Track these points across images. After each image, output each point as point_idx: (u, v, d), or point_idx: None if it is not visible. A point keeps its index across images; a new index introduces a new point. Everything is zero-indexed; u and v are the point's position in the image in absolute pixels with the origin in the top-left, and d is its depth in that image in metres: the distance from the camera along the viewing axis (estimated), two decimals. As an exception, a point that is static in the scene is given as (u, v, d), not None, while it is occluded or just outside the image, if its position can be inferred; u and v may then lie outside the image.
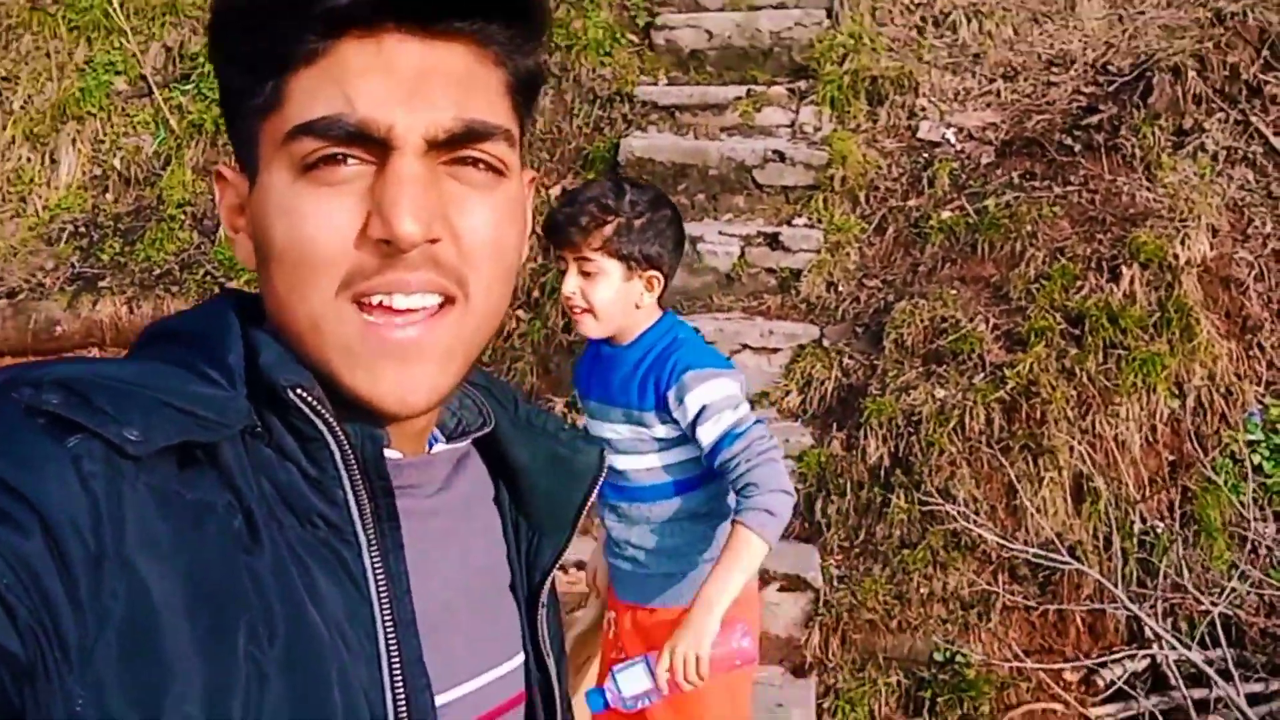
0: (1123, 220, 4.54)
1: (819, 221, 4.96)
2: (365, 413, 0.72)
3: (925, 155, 5.10)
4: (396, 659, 0.69)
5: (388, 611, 0.70)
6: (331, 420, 0.69)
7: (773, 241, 4.90)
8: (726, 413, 2.13)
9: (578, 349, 4.87)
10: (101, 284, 5.51)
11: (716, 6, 5.89)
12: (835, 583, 3.86)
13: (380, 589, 0.70)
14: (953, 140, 5.14)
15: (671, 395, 2.15)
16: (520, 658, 0.84)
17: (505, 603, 0.84)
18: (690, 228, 4.98)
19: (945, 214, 4.81)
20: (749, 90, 5.51)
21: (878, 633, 3.77)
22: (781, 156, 5.14)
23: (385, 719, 0.68)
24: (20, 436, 0.60)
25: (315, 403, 0.69)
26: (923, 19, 5.75)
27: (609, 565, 2.39)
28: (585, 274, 2.15)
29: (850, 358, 4.44)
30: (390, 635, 0.69)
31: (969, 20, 5.64)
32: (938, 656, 3.71)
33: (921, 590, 3.79)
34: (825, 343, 4.55)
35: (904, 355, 4.32)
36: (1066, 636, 3.76)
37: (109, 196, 5.89)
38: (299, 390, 0.69)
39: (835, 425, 4.25)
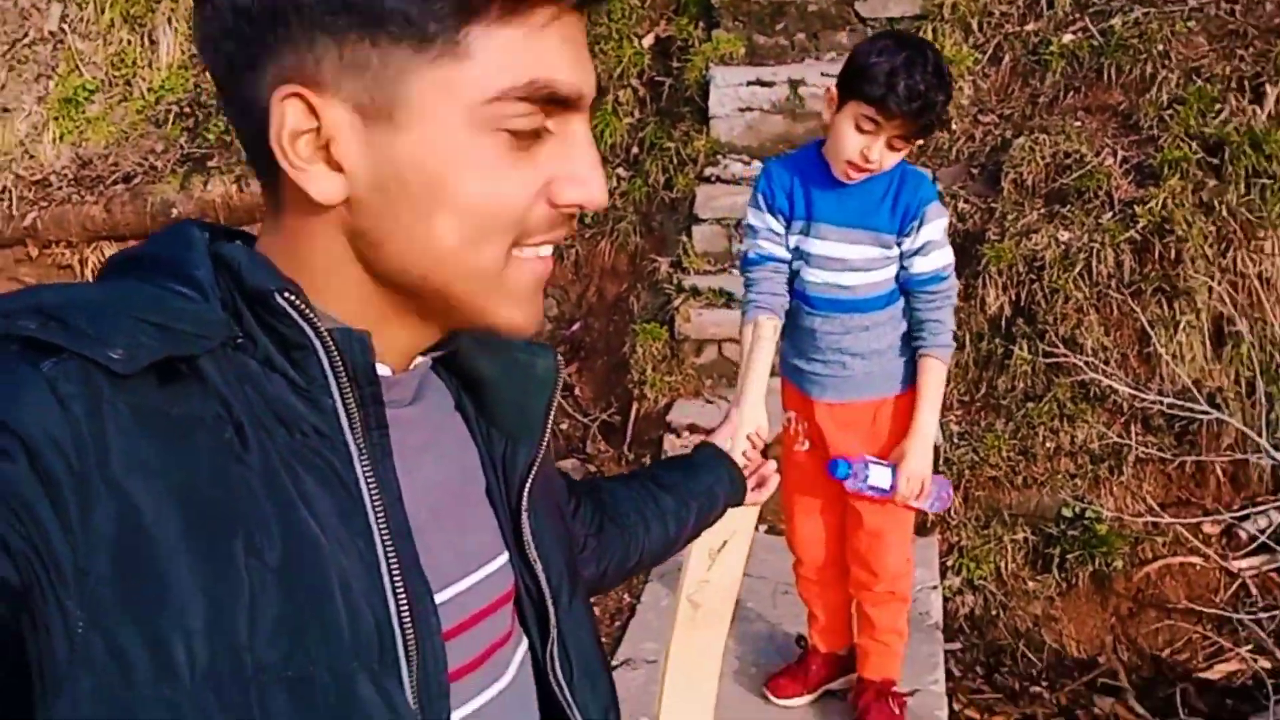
0: (1266, 33, 4.14)
1: (929, 54, 4.64)
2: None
3: (1044, -27, 4.70)
4: (395, 564, 0.69)
5: (382, 517, 0.70)
6: (320, 326, 0.69)
7: (879, 79, 4.61)
8: (945, 250, 2.38)
9: (680, 206, 4.73)
10: (210, 164, 5.51)
11: None
12: (955, 439, 3.73)
13: (373, 496, 0.70)
14: (1075, -47, 4.72)
15: (915, 223, 2.33)
16: (504, 557, 0.85)
17: (484, 506, 0.85)
18: (790, 70, 4.73)
19: (1067, 37, 4.45)
20: (849, -86, 5.12)
21: (1001, 489, 3.65)
22: (886, -15, 4.80)
23: (388, 622, 0.68)
24: None
25: (304, 307, 0.69)
26: None
27: (795, 371, 2.56)
28: (894, 148, 2.23)
29: (966, 201, 4.20)
30: (386, 540, 0.70)
31: None
32: (1066, 512, 3.58)
33: (1047, 445, 3.64)
34: (939, 186, 4.30)
35: (1024, 196, 4.07)
36: (1206, 488, 3.59)
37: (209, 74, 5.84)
38: (287, 295, 0.68)
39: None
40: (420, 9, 0.65)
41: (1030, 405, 3.69)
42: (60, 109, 5.87)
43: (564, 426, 4.33)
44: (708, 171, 4.61)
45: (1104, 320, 3.71)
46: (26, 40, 6.10)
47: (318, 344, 0.69)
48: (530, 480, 0.87)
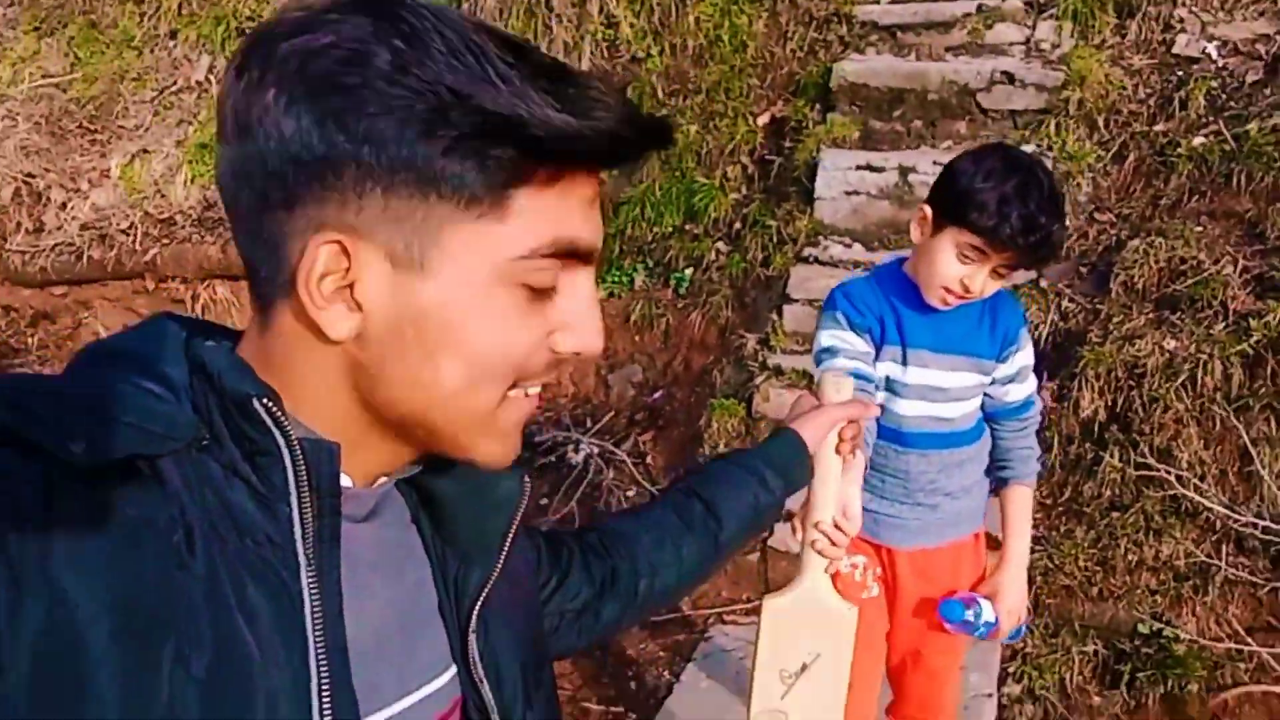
0: None
1: (1049, 149, 4.48)
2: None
3: (1179, 73, 4.51)
4: (326, 682, 0.68)
5: (320, 634, 0.69)
6: (290, 434, 0.69)
7: (993, 171, 4.46)
8: (1033, 378, 2.23)
9: (775, 285, 4.63)
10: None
11: (951, -84, 5.42)
12: (1032, 542, 3.49)
13: (314, 610, 0.69)
14: (1214, 55, 4.52)
15: (1013, 348, 2.17)
16: (450, 672, 0.84)
17: (433, 623, 0.84)
18: (903, 156, 4.64)
19: (1197, 140, 4.24)
20: (980, 5, 5.03)
21: (1075, 598, 3.39)
22: (1011, 78, 4.68)
23: None
24: None
25: (280, 415, 0.69)
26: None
27: (867, 516, 2.16)
28: (999, 275, 2.00)
29: (1071, 300, 4.00)
30: (321, 657, 0.68)
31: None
32: (1142, 629, 3.30)
33: (1129, 557, 3.38)
34: (1044, 283, 4.11)
35: (1133, 299, 3.85)
36: (1298, 619, 3.27)
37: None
38: (265, 401, 0.69)
39: (1047, 374, 3.84)
40: (476, 175, 0.67)
41: (1115, 515, 3.44)
42: (195, 153, 6.17)
43: (630, 493, 4.24)
44: (806, 252, 4.52)
45: (1204, 434, 3.45)
46: (174, 88, 6.46)
47: (285, 452, 0.69)
48: (480, 602, 0.85)
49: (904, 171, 4.56)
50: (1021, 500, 2.27)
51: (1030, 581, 3.34)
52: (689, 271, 4.94)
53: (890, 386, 2.16)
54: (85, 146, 6.78)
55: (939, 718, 2.41)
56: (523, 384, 0.74)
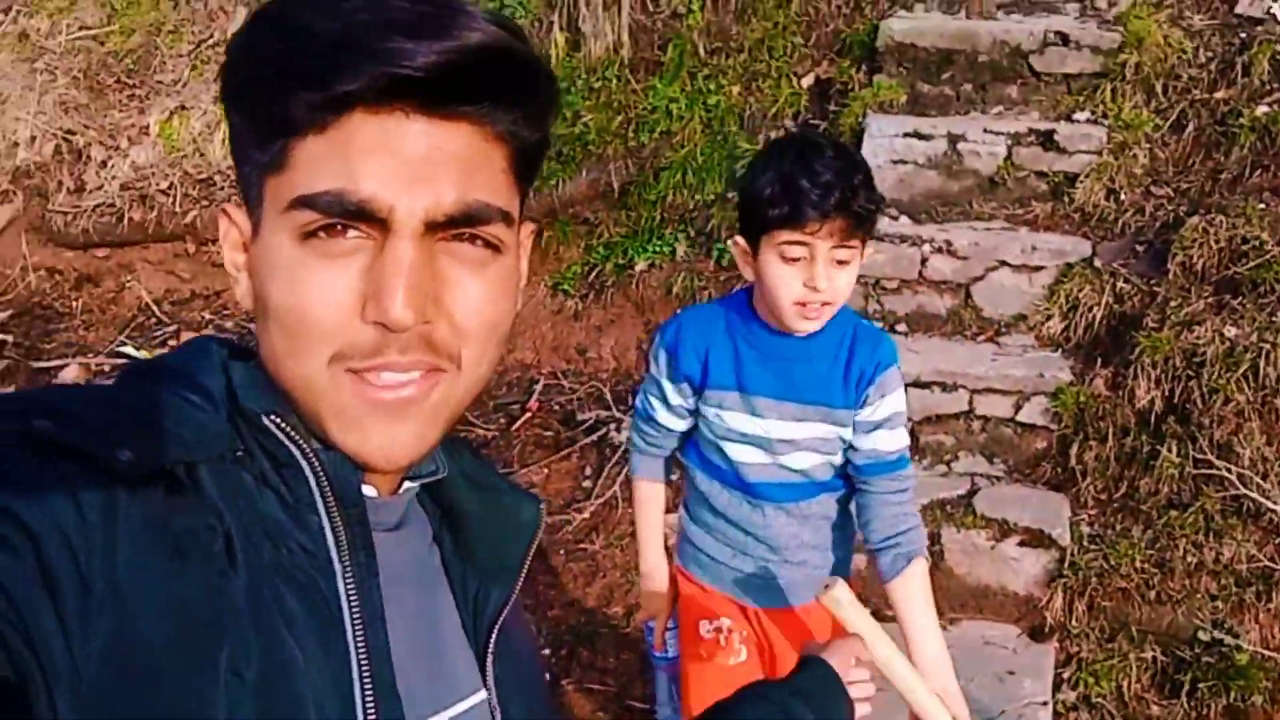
0: None
1: (1104, 117, 4.34)
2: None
3: (1243, 36, 4.33)
4: (370, 688, 0.69)
5: (361, 640, 0.70)
6: (306, 448, 0.72)
7: (1046, 140, 4.32)
8: (904, 428, 1.95)
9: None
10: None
11: None
12: (1085, 541, 3.44)
13: (354, 616, 0.70)
14: (1280, 16, 4.34)
15: (872, 391, 1.93)
16: (480, 695, 0.83)
17: (461, 640, 0.84)
18: (951, 123, 4.50)
19: (1261, 109, 4.08)
20: (1033, -41, 4.85)
21: (1131, 602, 3.34)
22: (1065, 39, 4.51)
23: None
24: (15, 462, 0.61)
25: (290, 430, 0.72)
26: None
27: (726, 572, 2.13)
28: (840, 262, 1.83)
29: (1126, 281, 3.89)
30: (364, 664, 0.69)
31: None
32: (1203, 636, 3.25)
33: (1188, 559, 3.32)
34: (1098, 262, 4.00)
35: (1191, 282, 3.73)
36: (1367, 627, 3.21)
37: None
38: (273, 417, 0.72)
39: (1101, 360, 3.75)
40: (259, 124, 0.71)
41: (1173, 514, 3.37)
42: (232, 110, 6.11)
43: (674, 476, 4.20)
44: (852, 224, 4.41)
45: (1266, 429, 3.36)
46: (211, 41, 6.36)
47: (304, 464, 0.71)
48: (499, 624, 0.85)
49: (953, 140, 4.43)
50: (924, 583, 1.93)
51: (1085, 583, 3.31)
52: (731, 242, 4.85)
53: (731, 433, 2.00)
54: (124, 102, 6.73)
55: None
56: (352, 364, 0.71)
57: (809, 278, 1.81)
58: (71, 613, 0.58)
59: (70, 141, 6.61)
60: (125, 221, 6.14)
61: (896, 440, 1.96)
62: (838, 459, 2.02)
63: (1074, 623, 3.35)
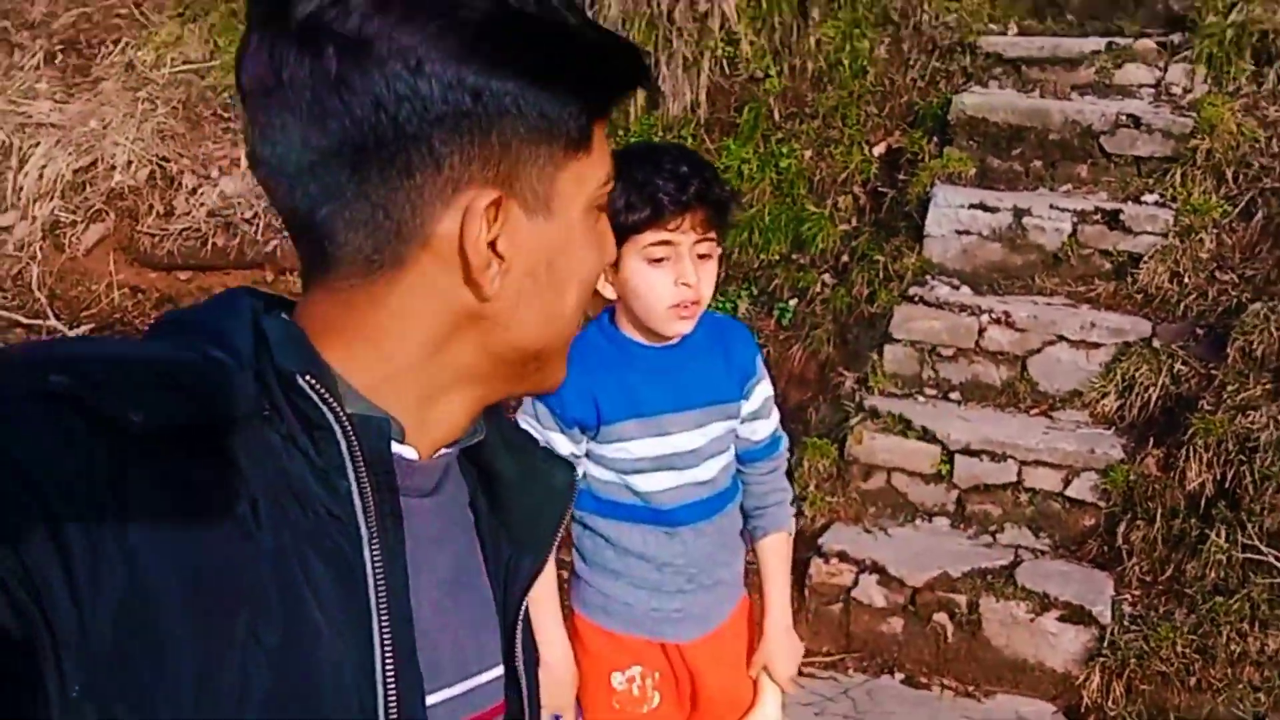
0: None
1: (1172, 200, 4.34)
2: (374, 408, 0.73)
3: (1317, 128, 4.32)
4: (390, 656, 0.69)
5: (384, 607, 0.69)
6: (338, 409, 0.70)
7: (1112, 220, 4.34)
8: (776, 411, 2.07)
9: (879, 323, 4.58)
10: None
11: (1086, -55, 5.26)
12: (1127, 621, 3.41)
13: (379, 583, 0.69)
14: (1356, 110, 4.32)
15: (751, 382, 2.02)
16: (498, 670, 0.83)
17: (489, 612, 0.84)
18: (1018, 198, 4.53)
19: (1332, 200, 4.06)
20: (1110, 43, 4.89)
21: (1171, 687, 3.29)
22: (1136, 122, 4.53)
23: (375, 716, 0.68)
24: (24, 416, 0.59)
25: (324, 390, 0.69)
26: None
27: (640, 616, 2.06)
28: (702, 257, 1.85)
29: (1184, 363, 3.87)
30: (385, 631, 0.69)
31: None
32: (1243, 727, 3.20)
33: (1231, 647, 3.27)
34: (1156, 343, 3.99)
35: (1250, 367, 3.71)
36: None
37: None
38: (308, 377, 0.69)
39: (1153, 440, 3.73)
40: (579, 115, 0.73)
41: (1218, 600, 3.33)
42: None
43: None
44: (912, 291, 4.45)
45: (1319, 520, 3.31)
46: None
47: (336, 427, 0.69)
48: (529, 592, 0.86)
49: (1018, 214, 4.46)
50: (783, 550, 2.10)
51: (1124, 663, 3.27)
52: (793, 303, 4.90)
53: (636, 468, 1.95)
54: (218, 134, 7.00)
55: None
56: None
57: (678, 275, 1.82)
58: (82, 570, 0.57)
59: (164, 168, 6.88)
60: (209, 246, 6.35)
61: (771, 425, 2.05)
62: (731, 455, 2.04)
63: (1111, 704, 3.31)
